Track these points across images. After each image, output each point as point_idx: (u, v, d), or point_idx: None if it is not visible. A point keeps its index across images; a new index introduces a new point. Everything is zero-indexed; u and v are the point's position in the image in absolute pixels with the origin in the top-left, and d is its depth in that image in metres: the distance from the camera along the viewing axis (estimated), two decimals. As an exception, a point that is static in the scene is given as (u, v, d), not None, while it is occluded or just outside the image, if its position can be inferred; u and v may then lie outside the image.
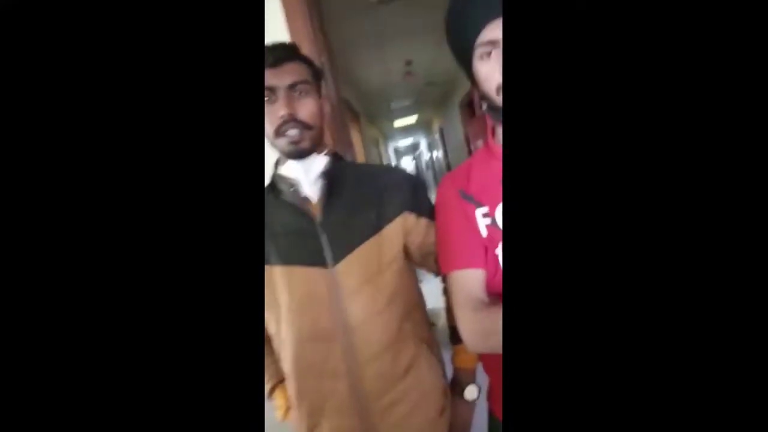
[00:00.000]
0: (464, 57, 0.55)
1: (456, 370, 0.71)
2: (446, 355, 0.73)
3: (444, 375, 0.71)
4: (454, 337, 0.70)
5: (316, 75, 0.64)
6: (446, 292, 0.73)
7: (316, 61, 0.69)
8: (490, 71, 0.51)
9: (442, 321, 0.74)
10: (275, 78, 0.58)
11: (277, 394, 0.71)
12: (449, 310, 0.71)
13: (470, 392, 0.69)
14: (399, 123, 7.21)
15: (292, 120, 0.58)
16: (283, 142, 0.59)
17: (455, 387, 0.70)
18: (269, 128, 0.59)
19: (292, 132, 0.59)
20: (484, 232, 0.56)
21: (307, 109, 0.60)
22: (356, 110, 3.38)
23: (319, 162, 0.63)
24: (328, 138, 0.70)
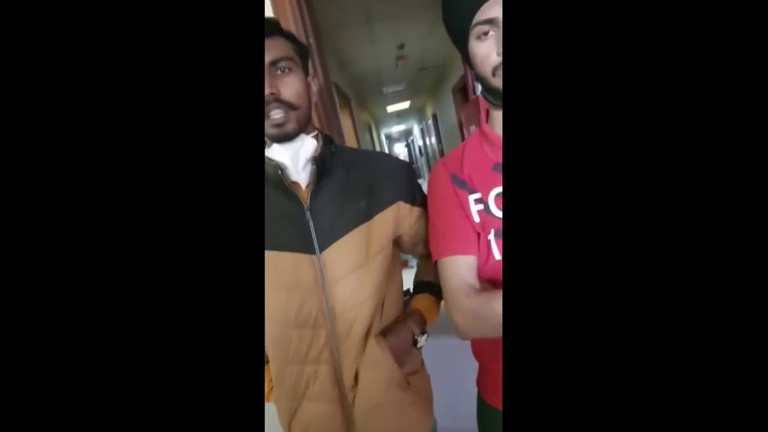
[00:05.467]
0: (460, 36, 0.52)
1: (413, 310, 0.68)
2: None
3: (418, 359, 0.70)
4: (416, 289, 0.72)
5: (301, 52, 0.61)
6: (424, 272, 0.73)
7: (301, 39, 0.66)
8: (486, 52, 0.49)
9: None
10: None
11: None
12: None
13: (421, 341, 0.67)
14: (392, 108, 7.12)
15: (275, 100, 0.55)
16: (266, 124, 0.56)
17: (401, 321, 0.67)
18: None
19: (276, 113, 0.55)
20: (476, 218, 0.55)
21: (291, 87, 0.56)
22: (347, 95, 3.32)
23: (308, 145, 0.60)
24: (316, 121, 0.67)
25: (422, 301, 0.70)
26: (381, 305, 0.64)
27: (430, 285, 0.71)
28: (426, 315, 0.69)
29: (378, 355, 0.62)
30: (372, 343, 0.62)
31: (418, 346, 0.66)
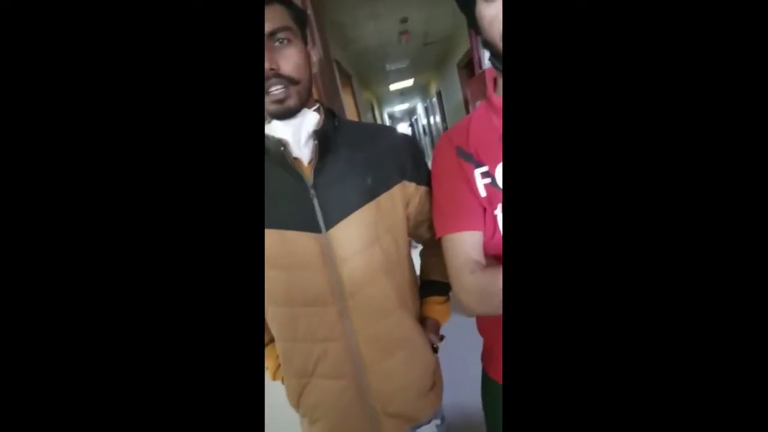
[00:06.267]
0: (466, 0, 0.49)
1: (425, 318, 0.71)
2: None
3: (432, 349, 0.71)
4: (424, 290, 0.72)
5: (299, 19, 0.57)
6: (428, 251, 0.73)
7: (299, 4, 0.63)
8: (495, 13, 0.46)
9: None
10: None
11: (266, 354, 0.71)
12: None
13: (440, 345, 0.71)
14: (395, 86, 6.97)
15: (274, 75, 0.52)
16: (266, 101, 0.53)
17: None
18: None
19: (276, 89, 0.52)
20: (482, 192, 0.53)
21: (291, 61, 0.53)
22: (348, 72, 3.24)
23: (309, 119, 0.57)
24: (315, 94, 0.65)
25: (433, 306, 0.71)
26: (401, 285, 0.63)
27: (436, 285, 0.71)
28: (440, 320, 0.71)
29: (417, 341, 0.64)
30: (413, 327, 0.64)
31: (438, 352, 0.70)
